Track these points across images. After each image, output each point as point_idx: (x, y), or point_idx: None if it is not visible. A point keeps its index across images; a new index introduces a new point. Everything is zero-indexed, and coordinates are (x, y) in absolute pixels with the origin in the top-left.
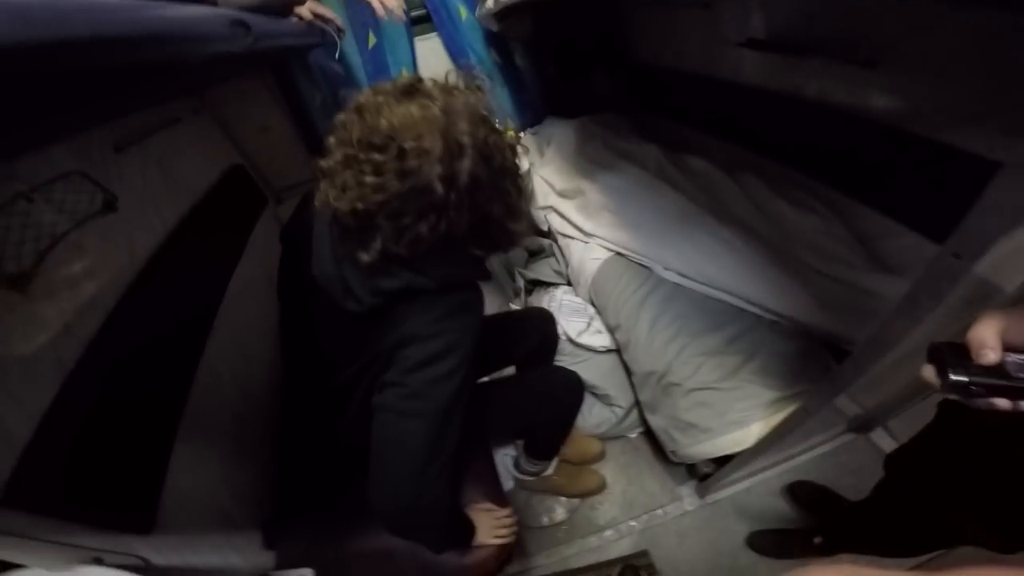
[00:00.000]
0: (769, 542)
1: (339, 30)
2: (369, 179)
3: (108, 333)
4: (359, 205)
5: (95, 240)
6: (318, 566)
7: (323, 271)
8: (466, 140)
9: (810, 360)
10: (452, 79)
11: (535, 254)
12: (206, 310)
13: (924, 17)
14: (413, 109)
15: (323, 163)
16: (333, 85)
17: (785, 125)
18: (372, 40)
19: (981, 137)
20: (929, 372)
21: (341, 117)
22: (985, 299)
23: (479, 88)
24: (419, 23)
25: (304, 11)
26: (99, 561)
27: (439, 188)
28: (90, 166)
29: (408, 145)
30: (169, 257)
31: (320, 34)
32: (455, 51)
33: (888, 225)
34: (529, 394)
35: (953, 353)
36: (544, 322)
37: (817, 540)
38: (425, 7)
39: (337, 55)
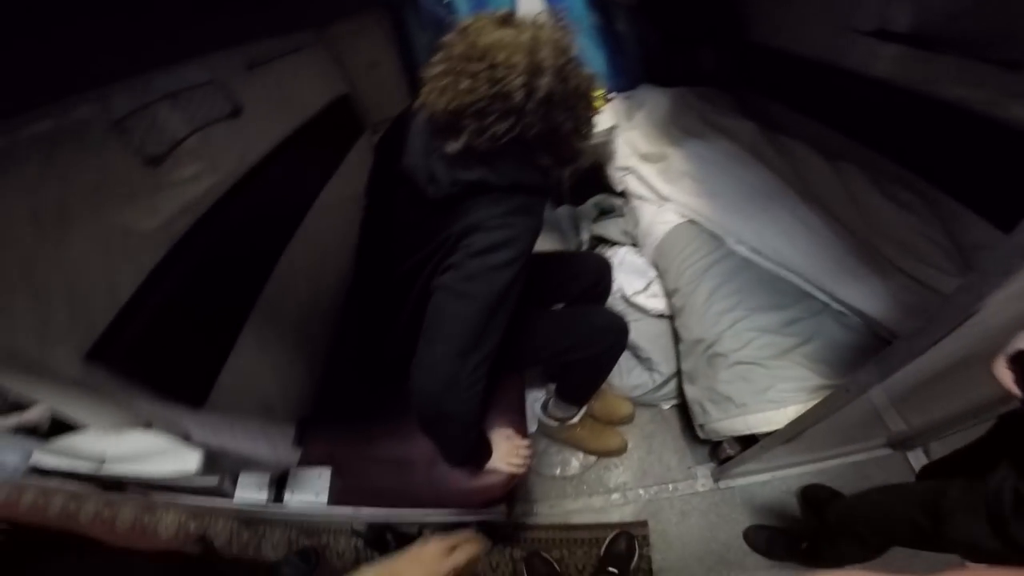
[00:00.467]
0: (761, 538)
1: None
2: (464, 84)
3: (212, 217)
4: (453, 105)
5: (219, 138)
6: (337, 466)
7: (413, 162)
8: (547, 63)
9: (869, 356)
10: (542, 17)
11: (605, 212)
12: (295, 214)
13: None
14: (507, 33)
15: (427, 71)
16: (438, 27)
17: (904, 121)
18: None
19: None
20: (1007, 377)
21: (447, 37)
22: None
23: (565, 28)
24: None
25: None
26: (148, 426)
27: (519, 96)
28: (227, 78)
29: (499, 60)
30: (274, 163)
31: None
32: (554, 5)
33: (994, 235)
34: (574, 326)
35: None
36: (602, 266)
37: (804, 545)
38: None
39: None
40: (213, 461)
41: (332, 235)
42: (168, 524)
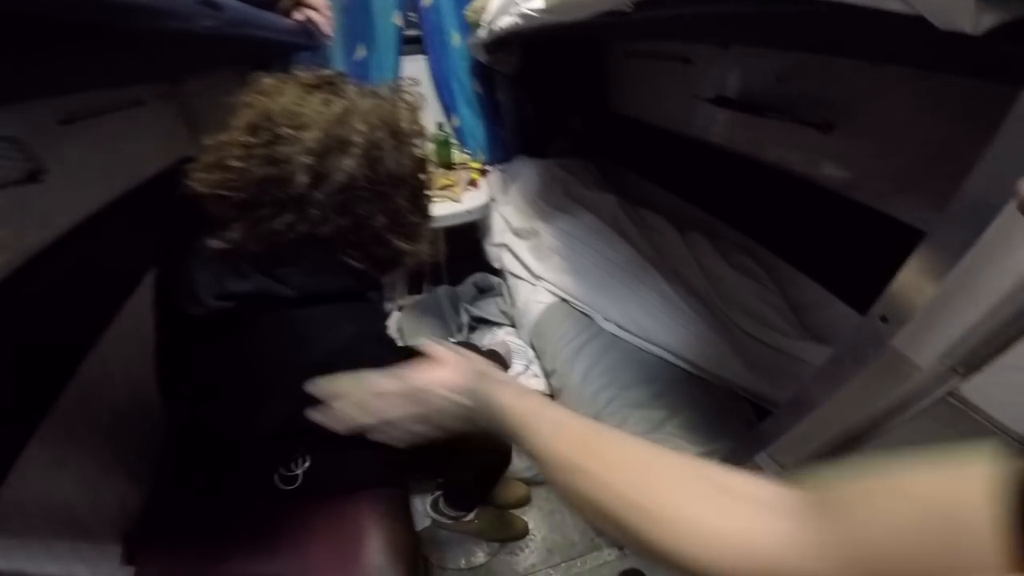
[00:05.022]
0: None
1: (326, 36)
2: (235, 162)
3: None
4: (217, 189)
5: (8, 206)
6: None
7: (173, 269)
8: (355, 139)
9: (733, 417)
10: (381, 88)
11: (484, 291)
12: (111, 300)
13: (885, 81)
14: (312, 101)
15: (206, 143)
16: None
17: (738, 188)
18: (361, 52)
19: (918, 207)
20: None
21: (242, 97)
22: (903, 372)
23: (408, 102)
24: (410, 43)
25: (297, 14)
26: None
27: (302, 181)
28: (27, 134)
29: (283, 132)
30: (84, 236)
31: (308, 36)
32: (440, 75)
33: (822, 295)
34: (454, 447)
35: None
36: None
37: None
38: (420, 28)
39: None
40: None
41: None
42: None
